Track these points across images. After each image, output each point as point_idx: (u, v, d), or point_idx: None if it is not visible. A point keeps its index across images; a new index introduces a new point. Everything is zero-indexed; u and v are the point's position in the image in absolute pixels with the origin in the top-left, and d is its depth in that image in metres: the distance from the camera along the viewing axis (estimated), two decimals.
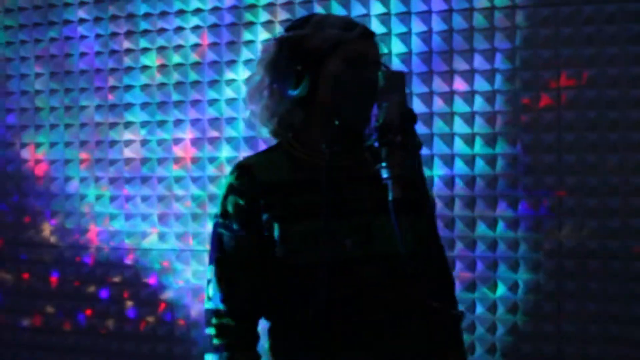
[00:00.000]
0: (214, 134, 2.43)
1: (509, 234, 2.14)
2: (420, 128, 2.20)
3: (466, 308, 2.17)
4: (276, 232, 1.35)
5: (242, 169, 1.41)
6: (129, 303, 2.52)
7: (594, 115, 2.09)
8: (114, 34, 2.53)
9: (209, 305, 1.38)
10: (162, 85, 2.48)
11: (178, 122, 2.47)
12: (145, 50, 2.50)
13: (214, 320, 1.38)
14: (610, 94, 2.07)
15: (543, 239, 2.12)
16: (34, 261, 2.63)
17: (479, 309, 2.17)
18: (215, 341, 1.37)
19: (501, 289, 2.15)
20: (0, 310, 2.66)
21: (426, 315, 1.34)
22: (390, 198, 1.23)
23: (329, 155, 1.35)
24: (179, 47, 2.46)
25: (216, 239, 1.41)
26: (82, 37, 2.58)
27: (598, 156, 2.08)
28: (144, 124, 2.50)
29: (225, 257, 1.40)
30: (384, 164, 1.24)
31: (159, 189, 2.49)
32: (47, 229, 2.62)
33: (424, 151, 2.19)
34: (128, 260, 2.52)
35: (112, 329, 2.53)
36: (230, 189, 1.40)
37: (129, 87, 2.52)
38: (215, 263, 1.39)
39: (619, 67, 2.06)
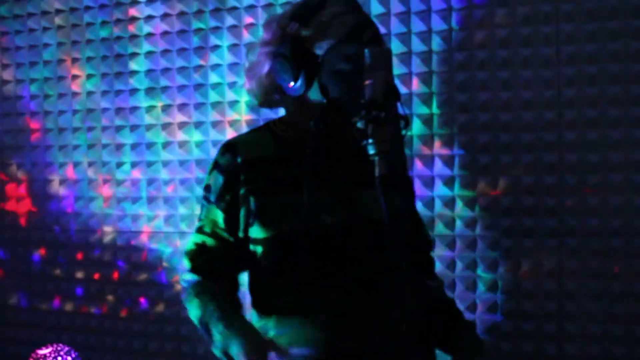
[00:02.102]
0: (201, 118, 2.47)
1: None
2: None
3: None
4: (252, 205, 1.42)
5: (226, 146, 1.52)
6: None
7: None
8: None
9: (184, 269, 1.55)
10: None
11: (165, 107, 2.52)
12: (134, 36, 2.54)
13: (186, 276, 1.53)
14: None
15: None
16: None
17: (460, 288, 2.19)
18: (190, 291, 1.50)
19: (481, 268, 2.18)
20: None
21: (406, 283, 1.39)
22: (377, 174, 1.27)
23: (315, 133, 1.39)
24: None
25: (200, 210, 1.54)
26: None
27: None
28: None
29: (201, 226, 1.52)
30: (370, 140, 1.27)
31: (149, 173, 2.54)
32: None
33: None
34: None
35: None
36: (215, 165, 1.51)
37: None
38: (195, 230, 1.54)
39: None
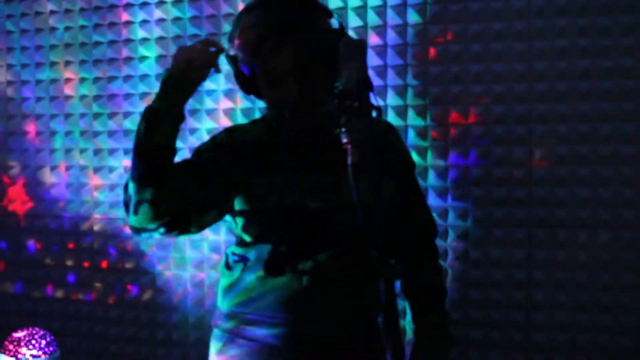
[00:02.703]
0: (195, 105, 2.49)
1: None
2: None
3: None
4: (238, 178, 1.50)
5: (226, 130, 1.62)
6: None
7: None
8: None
9: None
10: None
11: None
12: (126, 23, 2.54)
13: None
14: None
15: None
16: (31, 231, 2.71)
17: None
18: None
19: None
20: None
21: (376, 269, 1.44)
22: (349, 162, 1.30)
23: (289, 121, 1.43)
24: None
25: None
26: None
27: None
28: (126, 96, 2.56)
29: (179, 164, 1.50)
30: (343, 129, 1.31)
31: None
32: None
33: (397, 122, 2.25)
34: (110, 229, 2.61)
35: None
36: (211, 139, 1.60)
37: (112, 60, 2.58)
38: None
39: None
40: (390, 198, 1.57)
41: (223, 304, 1.57)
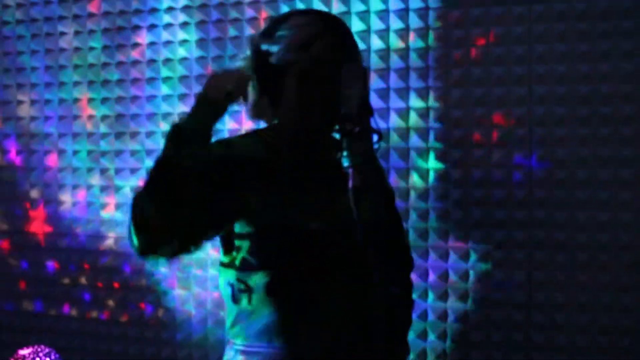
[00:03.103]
0: None
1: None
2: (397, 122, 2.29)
3: (438, 296, 2.28)
4: (237, 196, 1.44)
5: (219, 141, 1.50)
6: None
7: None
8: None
9: None
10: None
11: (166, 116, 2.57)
12: (135, 45, 2.60)
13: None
14: (581, 90, 2.16)
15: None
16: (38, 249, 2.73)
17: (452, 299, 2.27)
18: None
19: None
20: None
21: (379, 294, 1.45)
22: (350, 185, 1.32)
23: (291, 142, 1.47)
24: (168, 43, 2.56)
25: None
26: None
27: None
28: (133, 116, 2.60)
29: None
30: (344, 153, 1.33)
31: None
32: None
33: (400, 144, 2.28)
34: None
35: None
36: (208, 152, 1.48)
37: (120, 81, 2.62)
38: None
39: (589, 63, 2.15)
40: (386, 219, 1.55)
41: (234, 338, 1.54)
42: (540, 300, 2.17)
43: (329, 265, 1.46)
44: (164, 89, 2.56)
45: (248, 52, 1.52)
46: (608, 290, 2.12)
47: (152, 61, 2.58)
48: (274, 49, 1.45)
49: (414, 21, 2.28)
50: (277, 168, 1.47)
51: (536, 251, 2.17)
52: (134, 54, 2.60)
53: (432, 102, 2.27)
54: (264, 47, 1.47)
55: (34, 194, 2.72)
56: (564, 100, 2.15)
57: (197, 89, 2.48)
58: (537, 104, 2.17)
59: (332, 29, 1.49)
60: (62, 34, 2.69)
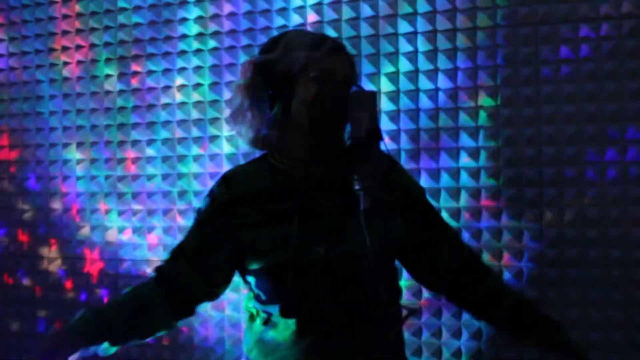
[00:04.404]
0: (216, 150, 2.56)
1: (493, 243, 2.25)
2: (408, 143, 2.33)
3: (452, 315, 2.29)
4: (243, 238, 1.48)
5: (223, 179, 1.57)
6: None
7: (571, 127, 2.19)
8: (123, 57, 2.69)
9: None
10: (166, 105, 2.63)
11: (182, 140, 2.61)
12: (150, 72, 2.65)
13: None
14: (587, 108, 2.18)
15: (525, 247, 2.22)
16: (41, 271, 2.76)
17: (465, 316, 2.27)
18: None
19: None
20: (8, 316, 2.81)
21: (391, 316, 1.46)
22: (361, 208, 1.35)
23: (301, 171, 1.48)
24: (182, 69, 2.61)
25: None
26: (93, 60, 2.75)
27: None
28: (149, 142, 2.65)
29: (182, 244, 1.59)
30: (355, 177, 1.36)
31: (164, 203, 2.63)
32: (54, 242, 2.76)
33: (411, 165, 2.31)
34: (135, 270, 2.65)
35: None
36: (210, 193, 1.57)
37: (135, 108, 2.67)
38: (177, 244, 1.60)
39: (596, 82, 2.17)
40: (404, 236, 1.56)
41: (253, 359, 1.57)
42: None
43: (340, 288, 1.47)
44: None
45: (246, 76, 1.51)
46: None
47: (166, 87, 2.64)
48: (280, 55, 1.47)
49: (423, 44, 2.32)
50: (285, 195, 1.48)
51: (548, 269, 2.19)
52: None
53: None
54: (270, 56, 1.48)
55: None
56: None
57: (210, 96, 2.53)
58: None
59: (331, 38, 1.54)
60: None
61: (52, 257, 2.75)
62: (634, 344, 2.12)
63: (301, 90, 1.47)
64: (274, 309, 1.49)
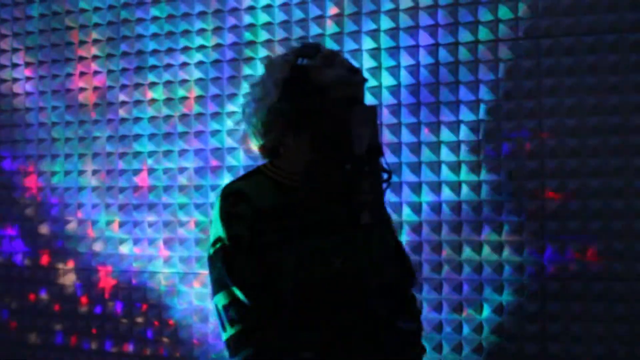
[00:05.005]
0: (215, 162, 2.56)
1: (494, 257, 2.24)
2: (409, 156, 2.33)
3: (453, 329, 2.27)
4: (270, 258, 1.43)
5: (237, 195, 1.46)
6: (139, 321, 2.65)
7: (575, 141, 2.19)
8: (125, 69, 2.70)
9: (232, 331, 1.41)
10: (167, 117, 2.64)
11: (183, 152, 2.62)
12: (153, 84, 2.66)
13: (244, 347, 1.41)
14: (590, 121, 2.17)
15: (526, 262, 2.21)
16: (45, 282, 2.76)
17: (466, 330, 2.26)
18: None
19: (486, 311, 2.25)
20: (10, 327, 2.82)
21: (390, 329, 1.46)
22: (361, 222, 1.35)
23: (305, 183, 1.48)
24: (184, 82, 2.62)
25: (227, 264, 1.43)
26: (96, 72, 2.76)
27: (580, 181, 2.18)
28: (150, 154, 2.66)
29: (242, 278, 1.42)
30: (356, 191, 1.36)
31: (165, 215, 2.63)
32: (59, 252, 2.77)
33: (412, 177, 2.31)
34: (135, 282, 2.65)
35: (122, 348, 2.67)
36: (230, 216, 1.45)
37: (137, 119, 2.68)
38: (236, 285, 1.42)
39: (597, 95, 2.16)
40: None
41: None
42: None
43: (341, 303, 1.47)
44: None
45: (278, 75, 1.49)
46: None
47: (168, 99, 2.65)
48: (321, 65, 1.46)
49: (425, 58, 2.33)
50: (297, 211, 1.47)
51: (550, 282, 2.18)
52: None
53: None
54: (311, 62, 1.47)
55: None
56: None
57: (212, 108, 2.54)
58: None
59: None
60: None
61: (67, 270, 2.76)
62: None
63: (329, 103, 1.45)
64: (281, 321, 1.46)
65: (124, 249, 2.68)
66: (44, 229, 2.79)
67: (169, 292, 2.60)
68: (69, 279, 2.74)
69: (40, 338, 2.77)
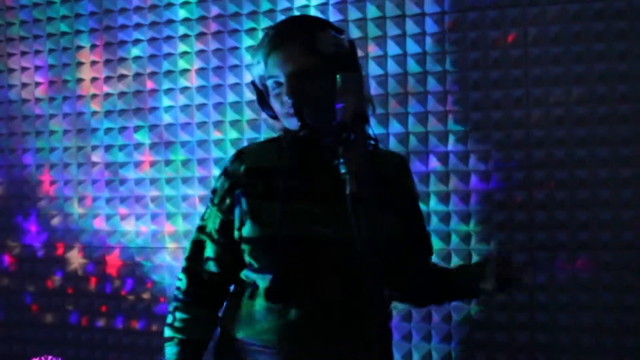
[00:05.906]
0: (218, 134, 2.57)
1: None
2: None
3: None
4: (245, 205, 1.57)
5: (236, 155, 1.66)
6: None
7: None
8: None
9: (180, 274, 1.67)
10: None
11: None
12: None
13: (173, 311, 1.65)
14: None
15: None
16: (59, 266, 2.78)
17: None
18: (169, 333, 1.63)
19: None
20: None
21: (376, 304, 1.47)
22: (347, 192, 1.36)
23: (290, 149, 1.56)
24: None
25: (205, 210, 1.68)
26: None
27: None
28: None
29: (202, 226, 1.66)
30: (341, 160, 1.37)
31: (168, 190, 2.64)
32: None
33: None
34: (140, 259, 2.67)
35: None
36: (223, 171, 1.66)
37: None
38: (196, 229, 1.67)
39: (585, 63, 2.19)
40: (391, 228, 1.60)
41: (231, 330, 1.60)
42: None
43: (327, 272, 1.49)
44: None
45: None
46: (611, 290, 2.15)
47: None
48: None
49: (411, 27, 2.34)
50: (290, 174, 1.54)
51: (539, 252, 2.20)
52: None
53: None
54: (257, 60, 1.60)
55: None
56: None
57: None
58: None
59: (282, 28, 1.59)
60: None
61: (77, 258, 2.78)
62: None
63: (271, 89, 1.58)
64: (264, 280, 1.52)
65: (127, 226, 2.68)
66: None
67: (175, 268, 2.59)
68: (79, 262, 2.75)
69: (56, 318, 2.77)
